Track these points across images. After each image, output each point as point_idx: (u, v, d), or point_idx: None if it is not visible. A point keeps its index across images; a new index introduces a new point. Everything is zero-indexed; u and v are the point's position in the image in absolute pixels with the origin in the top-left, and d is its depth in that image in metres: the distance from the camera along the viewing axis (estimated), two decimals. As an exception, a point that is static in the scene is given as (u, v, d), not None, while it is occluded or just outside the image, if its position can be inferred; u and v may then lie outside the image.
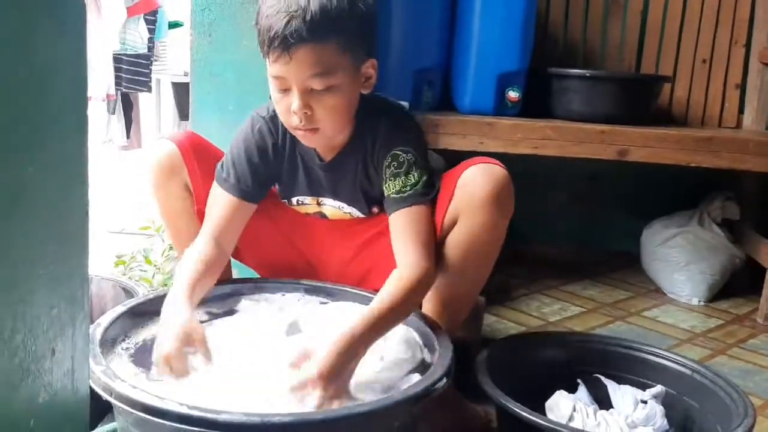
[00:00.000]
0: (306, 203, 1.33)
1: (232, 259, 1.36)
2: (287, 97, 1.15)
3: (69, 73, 0.57)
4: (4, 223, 0.52)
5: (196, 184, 1.29)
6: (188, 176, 1.29)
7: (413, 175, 1.19)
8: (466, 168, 1.20)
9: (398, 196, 1.19)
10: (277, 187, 1.35)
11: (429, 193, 1.20)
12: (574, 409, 1.17)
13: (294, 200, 1.33)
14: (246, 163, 1.25)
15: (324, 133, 1.18)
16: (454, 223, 1.20)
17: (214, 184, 1.26)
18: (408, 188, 1.19)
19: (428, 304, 1.25)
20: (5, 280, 0.52)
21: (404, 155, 1.20)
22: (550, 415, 1.17)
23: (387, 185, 1.20)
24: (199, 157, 1.30)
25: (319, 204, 1.32)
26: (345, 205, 1.31)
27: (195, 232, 1.29)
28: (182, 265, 1.16)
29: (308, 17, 1.07)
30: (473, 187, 1.18)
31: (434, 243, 1.17)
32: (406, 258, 1.14)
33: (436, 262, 1.18)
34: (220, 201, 1.24)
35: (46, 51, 0.54)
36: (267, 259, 1.39)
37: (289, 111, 1.15)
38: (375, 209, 1.29)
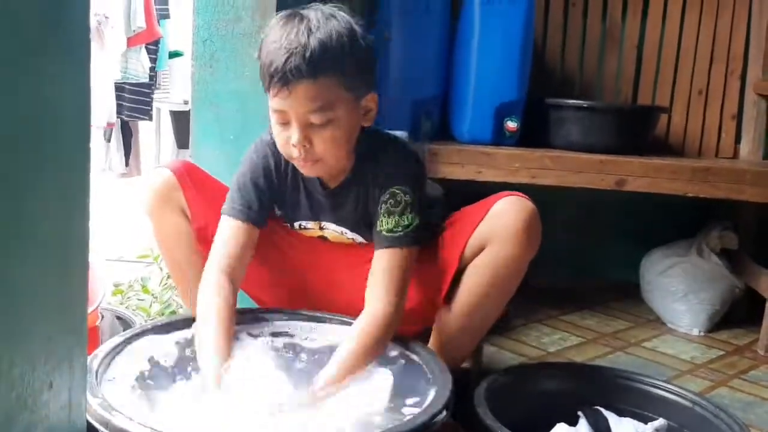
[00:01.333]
0: (308, 228, 1.34)
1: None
2: (287, 130, 1.17)
3: (73, 107, 0.58)
4: (5, 254, 0.52)
5: (193, 202, 1.30)
6: (184, 197, 1.29)
7: (407, 217, 1.20)
8: (497, 200, 1.23)
9: (389, 234, 1.20)
10: (278, 211, 1.36)
11: (419, 239, 1.22)
12: None
13: (296, 224, 1.34)
14: (252, 187, 1.26)
15: (325, 164, 1.20)
16: (476, 252, 1.23)
17: (221, 218, 1.26)
18: (400, 229, 1.20)
19: (442, 331, 1.26)
20: (5, 311, 0.52)
21: (402, 195, 1.21)
22: (550, 448, 1.16)
23: (381, 220, 1.21)
24: (194, 179, 1.32)
25: (321, 228, 1.33)
26: (347, 231, 1.32)
27: (193, 258, 1.30)
28: (206, 311, 1.15)
29: (308, 54, 1.09)
30: (507, 218, 1.20)
31: (406, 288, 1.19)
32: (376, 294, 1.16)
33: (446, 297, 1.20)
34: (228, 230, 1.24)
35: (51, 86, 0.55)
36: (269, 285, 1.38)
37: (289, 143, 1.17)
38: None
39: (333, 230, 1.32)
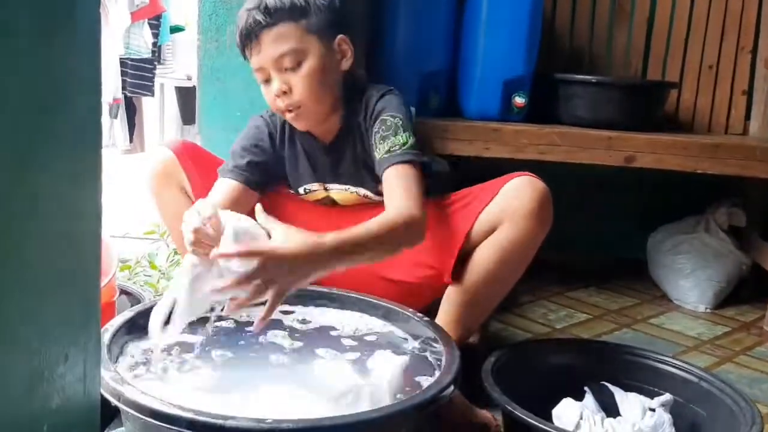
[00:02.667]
0: (314, 190, 1.38)
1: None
2: (269, 87, 1.26)
3: (84, 84, 0.58)
4: (21, 228, 0.52)
5: (194, 184, 1.34)
6: (185, 178, 1.34)
7: (401, 136, 1.24)
8: (509, 179, 1.25)
9: (388, 155, 1.23)
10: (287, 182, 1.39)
11: (418, 155, 1.24)
12: (581, 417, 1.16)
13: (301, 189, 1.38)
14: (241, 151, 1.32)
15: (307, 108, 1.26)
16: (485, 230, 1.24)
17: (220, 180, 1.31)
18: (397, 148, 1.23)
19: (453, 304, 1.28)
20: (21, 284, 0.53)
21: (391, 119, 1.26)
22: (557, 423, 1.17)
23: (377, 149, 1.25)
24: (195, 161, 1.36)
25: (326, 189, 1.35)
26: (351, 187, 1.35)
27: None
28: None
29: (262, 6, 1.22)
30: (519, 198, 1.22)
31: (423, 198, 1.20)
32: (393, 203, 1.18)
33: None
34: (221, 187, 1.29)
35: (62, 62, 0.54)
36: None
37: (273, 97, 1.26)
38: (380, 187, 1.30)
39: (338, 189, 1.35)
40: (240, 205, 1.24)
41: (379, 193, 1.31)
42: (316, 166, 1.35)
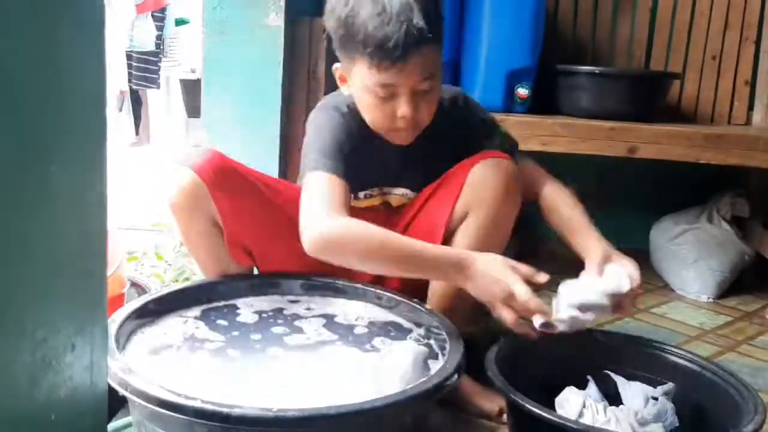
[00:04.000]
0: (373, 195, 1.34)
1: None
2: (388, 102, 1.16)
3: (89, 75, 0.58)
4: (28, 219, 0.53)
5: (225, 216, 1.20)
6: (215, 209, 1.19)
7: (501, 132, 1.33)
8: (473, 164, 1.22)
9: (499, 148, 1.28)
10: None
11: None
12: (584, 405, 1.17)
13: (362, 194, 1.33)
14: (336, 145, 1.20)
15: (420, 128, 1.22)
16: (461, 217, 1.23)
17: (307, 174, 1.17)
18: (507, 145, 1.30)
19: (442, 296, 1.27)
20: (28, 275, 0.54)
21: (498, 128, 1.34)
22: (559, 411, 1.17)
23: (481, 144, 1.29)
24: (225, 185, 1.19)
25: (384, 194, 1.35)
26: (408, 191, 1.34)
27: (221, 257, 1.24)
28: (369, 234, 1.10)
29: (416, 22, 1.08)
30: (482, 184, 1.21)
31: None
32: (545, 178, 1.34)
33: None
34: (324, 183, 1.14)
35: (67, 53, 0.55)
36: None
37: (391, 117, 1.17)
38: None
39: (395, 194, 1.34)
40: (348, 204, 1.17)
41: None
42: (385, 169, 1.31)
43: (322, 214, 1.10)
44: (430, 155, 1.30)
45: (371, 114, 1.20)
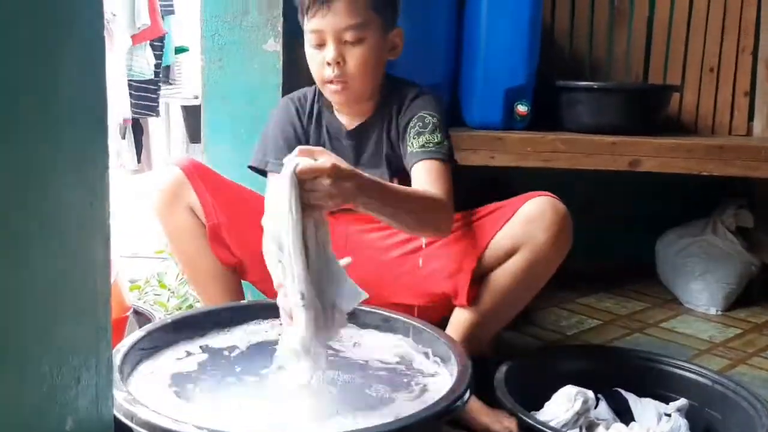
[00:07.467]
0: None
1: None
2: (322, 51, 1.25)
3: (90, 103, 0.58)
4: (31, 251, 0.52)
5: (204, 200, 1.30)
6: (194, 194, 1.30)
7: (437, 136, 1.25)
8: (527, 199, 1.24)
9: (422, 149, 1.24)
10: None
11: (452, 157, 1.25)
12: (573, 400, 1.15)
13: None
14: (281, 136, 1.32)
15: (353, 87, 1.26)
16: (501, 253, 1.23)
17: (269, 176, 1.31)
18: (431, 145, 1.24)
19: (465, 323, 1.27)
20: (31, 308, 0.53)
21: (430, 118, 1.27)
22: (552, 406, 1.16)
23: (410, 143, 1.25)
24: (203, 177, 1.32)
25: None
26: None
27: (205, 252, 1.29)
28: None
29: None
30: (539, 222, 1.21)
31: (452, 197, 1.21)
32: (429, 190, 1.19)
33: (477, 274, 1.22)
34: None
35: (68, 83, 0.55)
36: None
37: (323, 64, 1.25)
38: (395, 180, 1.31)
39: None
40: None
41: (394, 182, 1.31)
42: (338, 150, 1.30)
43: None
44: (384, 141, 1.32)
45: (311, 65, 1.28)
